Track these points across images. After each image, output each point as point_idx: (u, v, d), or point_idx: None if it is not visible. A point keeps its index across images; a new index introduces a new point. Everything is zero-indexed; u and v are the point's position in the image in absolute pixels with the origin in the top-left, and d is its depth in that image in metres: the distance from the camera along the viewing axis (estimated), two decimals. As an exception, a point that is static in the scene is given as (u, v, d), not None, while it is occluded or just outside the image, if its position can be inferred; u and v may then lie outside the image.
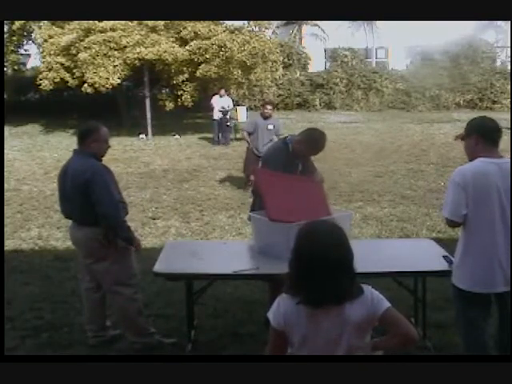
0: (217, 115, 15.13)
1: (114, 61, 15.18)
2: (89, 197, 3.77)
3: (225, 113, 15.11)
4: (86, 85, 15.29)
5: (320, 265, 2.14)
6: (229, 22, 16.96)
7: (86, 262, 4.02)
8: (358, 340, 2.21)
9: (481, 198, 3.03)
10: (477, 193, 3.03)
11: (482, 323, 3.17)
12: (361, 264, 2.47)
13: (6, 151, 12.19)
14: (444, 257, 3.76)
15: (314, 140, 4.25)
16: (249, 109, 19.22)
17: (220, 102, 15.19)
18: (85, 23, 15.20)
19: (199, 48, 15.48)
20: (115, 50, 15.20)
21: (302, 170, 4.40)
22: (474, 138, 3.15)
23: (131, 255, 4.01)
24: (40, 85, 15.92)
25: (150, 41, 15.27)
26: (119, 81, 15.48)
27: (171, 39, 15.77)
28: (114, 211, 3.82)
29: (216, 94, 15.55)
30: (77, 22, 15.13)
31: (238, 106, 18.24)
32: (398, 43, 27.64)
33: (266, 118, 8.85)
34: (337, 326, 2.18)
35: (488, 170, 3.06)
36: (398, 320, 2.23)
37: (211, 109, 15.47)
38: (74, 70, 15.44)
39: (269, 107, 8.99)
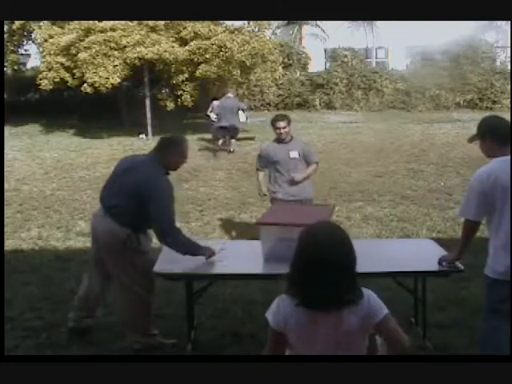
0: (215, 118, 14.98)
1: (113, 61, 15.16)
2: (142, 204, 3.76)
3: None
4: (85, 84, 15.29)
5: (321, 267, 2.12)
6: (229, 22, 16.95)
7: (103, 255, 3.97)
8: (355, 344, 2.20)
9: (502, 195, 3.16)
10: (496, 193, 3.16)
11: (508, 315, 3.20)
12: (361, 264, 2.46)
13: (6, 151, 12.19)
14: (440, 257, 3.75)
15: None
16: (249, 109, 19.19)
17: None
18: (85, 23, 15.18)
19: (199, 48, 15.47)
20: (115, 49, 15.18)
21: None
22: (489, 140, 3.32)
23: (149, 258, 3.98)
24: (40, 85, 15.92)
25: (150, 41, 15.26)
26: (119, 80, 15.47)
27: (171, 39, 15.76)
28: (169, 232, 3.85)
29: (215, 98, 15.46)
30: (77, 21, 15.13)
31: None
32: (398, 43, 27.61)
33: (281, 141, 5.61)
34: (335, 329, 2.17)
35: (503, 168, 3.18)
36: (392, 329, 2.21)
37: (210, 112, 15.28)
38: (74, 70, 15.43)
39: (281, 125, 5.52)
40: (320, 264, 2.13)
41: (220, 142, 13.66)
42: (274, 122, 5.61)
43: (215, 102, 15.18)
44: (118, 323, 4.18)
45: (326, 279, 2.12)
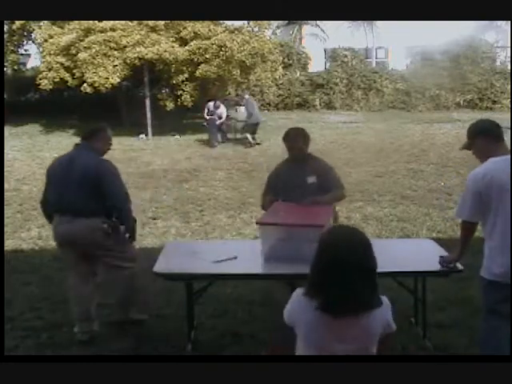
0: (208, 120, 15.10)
1: (113, 60, 15.18)
2: (98, 189, 3.98)
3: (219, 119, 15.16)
4: (85, 84, 15.29)
5: (340, 268, 2.12)
6: (229, 22, 16.97)
7: (90, 252, 4.13)
8: (366, 350, 2.20)
9: (498, 196, 3.13)
10: (492, 193, 3.13)
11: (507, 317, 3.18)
12: None
13: (5, 151, 12.19)
14: (441, 257, 3.73)
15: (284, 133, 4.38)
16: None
17: (212, 111, 15.11)
18: (85, 23, 15.20)
19: (199, 48, 15.48)
20: (115, 49, 15.20)
21: (317, 184, 4.25)
22: (481, 139, 3.30)
23: (130, 243, 4.31)
24: (40, 85, 15.93)
25: (150, 41, 15.28)
26: (119, 80, 15.48)
27: (171, 39, 15.78)
28: (124, 203, 4.12)
29: (210, 100, 15.50)
30: (77, 21, 15.13)
31: (239, 106, 18.21)
32: (398, 43, 27.66)
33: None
34: (350, 333, 2.17)
35: (499, 168, 3.15)
36: (388, 346, 2.25)
37: (206, 114, 15.38)
38: (74, 70, 15.45)
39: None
40: (339, 265, 2.12)
41: (251, 139, 14.74)
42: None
43: (210, 103, 15.27)
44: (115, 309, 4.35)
45: (345, 281, 2.11)
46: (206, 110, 15.21)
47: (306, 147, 4.38)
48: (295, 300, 2.25)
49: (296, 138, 4.35)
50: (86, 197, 3.99)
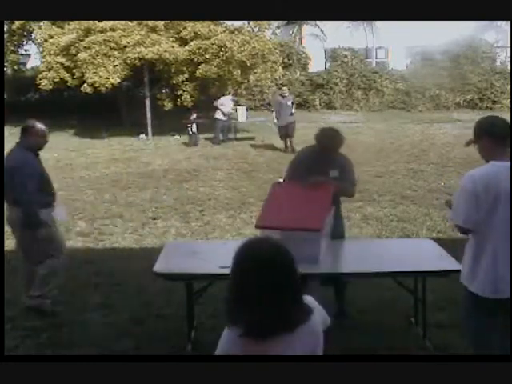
0: (224, 115, 15.20)
1: (113, 61, 15.19)
2: (23, 182, 4.51)
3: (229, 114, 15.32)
4: (85, 84, 15.30)
5: (262, 289, 1.97)
6: (229, 22, 16.99)
7: (21, 236, 4.75)
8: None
9: (493, 203, 2.93)
10: (488, 198, 2.92)
11: (496, 329, 3.05)
12: (361, 264, 2.43)
13: (6, 151, 12.17)
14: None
15: (319, 135, 4.41)
16: (249, 109, 19.22)
17: (229, 104, 15.29)
18: (85, 23, 15.21)
19: (199, 48, 15.50)
20: (115, 49, 15.21)
21: (338, 178, 4.34)
22: (486, 139, 3.07)
23: (56, 231, 4.81)
24: (40, 85, 15.93)
25: (150, 41, 15.29)
26: (119, 80, 15.48)
27: (171, 39, 15.79)
28: (24, 199, 4.52)
29: (224, 95, 15.65)
30: (77, 21, 15.14)
31: (238, 105, 18.23)
32: (398, 43, 27.72)
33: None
34: (290, 351, 2.04)
35: (498, 173, 2.96)
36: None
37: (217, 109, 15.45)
38: (74, 70, 15.45)
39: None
40: (258, 283, 1.98)
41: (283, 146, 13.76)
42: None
43: (223, 98, 15.32)
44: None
45: (268, 299, 1.96)
46: (220, 102, 15.34)
47: (339, 149, 4.48)
48: (225, 336, 2.08)
49: (333, 142, 4.46)
50: (17, 190, 4.51)
